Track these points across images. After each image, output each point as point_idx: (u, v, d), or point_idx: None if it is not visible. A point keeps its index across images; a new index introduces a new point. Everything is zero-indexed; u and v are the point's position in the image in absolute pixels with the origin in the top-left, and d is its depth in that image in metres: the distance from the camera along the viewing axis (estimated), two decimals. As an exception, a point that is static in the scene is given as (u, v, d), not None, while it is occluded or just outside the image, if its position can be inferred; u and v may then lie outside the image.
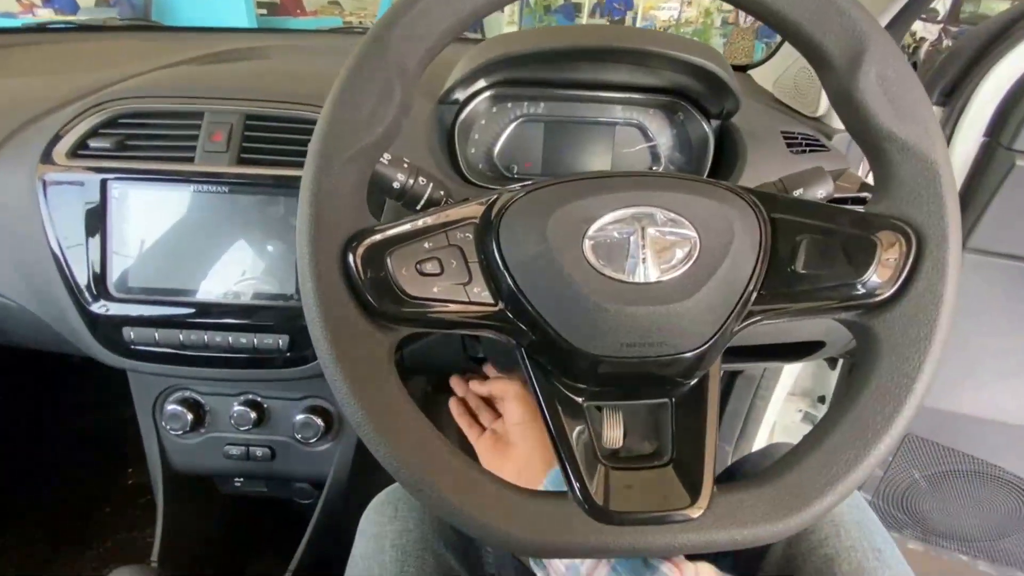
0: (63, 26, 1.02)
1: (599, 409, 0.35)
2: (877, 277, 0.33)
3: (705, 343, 0.32)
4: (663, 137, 0.61)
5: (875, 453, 0.31)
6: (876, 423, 0.32)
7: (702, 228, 0.32)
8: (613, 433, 0.34)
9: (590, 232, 0.32)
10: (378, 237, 0.31)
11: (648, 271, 0.31)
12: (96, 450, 1.08)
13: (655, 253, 0.31)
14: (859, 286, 0.33)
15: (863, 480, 0.32)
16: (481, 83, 0.58)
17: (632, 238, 0.31)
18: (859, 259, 0.33)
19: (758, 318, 0.34)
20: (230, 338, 0.52)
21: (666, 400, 0.35)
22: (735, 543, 0.31)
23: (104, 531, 0.98)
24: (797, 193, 0.42)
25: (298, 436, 0.62)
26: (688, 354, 0.32)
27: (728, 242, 0.32)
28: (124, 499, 1.03)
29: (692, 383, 0.35)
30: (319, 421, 0.61)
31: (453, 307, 0.32)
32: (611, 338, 0.31)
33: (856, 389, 0.33)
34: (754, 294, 0.33)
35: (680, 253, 0.32)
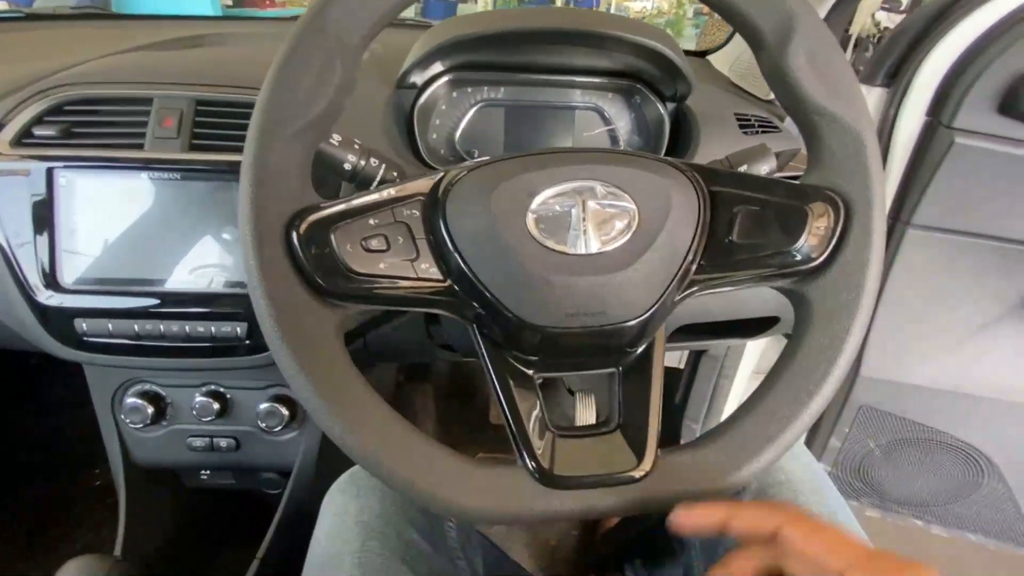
0: (12, 15, 0.98)
1: (571, 392, 0.36)
2: (809, 244, 0.34)
3: (646, 312, 0.33)
4: (621, 120, 0.62)
5: (808, 412, 0.33)
6: (809, 383, 0.33)
7: (641, 200, 0.33)
8: (586, 414, 0.35)
9: (533, 206, 0.32)
10: (321, 214, 0.32)
11: (589, 242, 0.32)
12: (62, 450, 1.05)
13: (596, 225, 0.32)
14: (793, 254, 0.35)
15: (798, 437, 0.33)
16: (438, 67, 0.58)
17: (573, 211, 0.32)
18: (792, 228, 0.34)
19: (699, 287, 0.35)
20: (187, 327, 0.52)
21: (613, 369, 0.36)
22: (678, 502, 0.32)
23: (72, 532, 0.96)
24: (742, 169, 0.43)
25: (262, 425, 0.61)
26: (631, 322, 0.33)
27: (666, 213, 0.33)
28: (92, 499, 1.01)
29: (638, 352, 0.36)
30: (283, 410, 0.61)
31: (401, 284, 0.33)
32: (555, 309, 0.32)
33: (791, 352, 0.34)
34: (694, 264, 0.34)
35: (620, 225, 0.32)
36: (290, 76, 0.31)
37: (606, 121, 0.63)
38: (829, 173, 0.35)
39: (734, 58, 0.73)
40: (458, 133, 0.60)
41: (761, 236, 0.35)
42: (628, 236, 0.32)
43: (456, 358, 0.66)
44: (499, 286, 0.32)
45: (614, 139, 0.63)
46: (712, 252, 0.34)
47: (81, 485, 1.02)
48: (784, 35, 0.34)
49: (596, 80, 0.61)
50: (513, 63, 0.59)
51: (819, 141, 0.35)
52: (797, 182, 0.36)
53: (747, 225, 0.35)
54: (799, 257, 0.35)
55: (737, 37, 0.76)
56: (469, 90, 0.60)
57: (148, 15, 1.03)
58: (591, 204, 0.32)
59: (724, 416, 0.97)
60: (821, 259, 0.34)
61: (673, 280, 0.33)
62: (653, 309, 0.33)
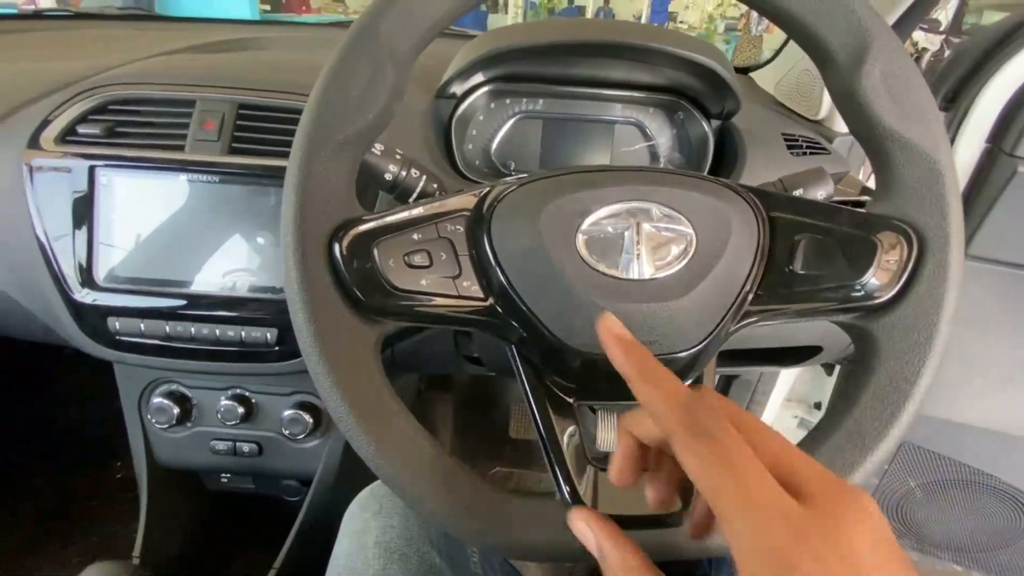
0: (60, 13, 1.01)
1: (593, 411, 0.34)
2: (877, 279, 0.32)
3: (699, 343, 0.31)
4: (662, 136, 0.61)
5: (871, 459, 0.31)
6: (873, 429, 0.31)
7: (699, 225, 0.31)
8: (607, 436, 0.33)
9: (584, 226, 0.31)
10: (365, 227, 0.31)
11: (643, 267, 0.30)
12: (87, 442, 1.06)
13: (650, 249, 0.30)
14: (858, 288, 0.32)
15: (859, 486, 0.31)
16: (479, 77, 0.57)
17: (627, 233, 0.31)
18: (859, 260, 0.32)
19: (755, 319, 0.33)
20: (217, 331, 0.51)
21: None
22: (722, 549, 0.30)
23: (91, 525, 0.96)
24: (797, 193, 0.41)
25: (286, 432, 0.61)
26: (682, 354, 0.31)
27: (725, 239, 0.31)
28: (113, 493, 1.01)
29: (686, 384, 0.34)
30: (307, 417, 0.60)
31: (442, 301, 0.31)
32: None
33: (853, 394, 0.32)
34: (751, 294, 0.32)
35: (676, 250, 0.31)
36: (342, 81, 0.31)
37: (646, 137, 0.61)
38: (901, 203, 0.33)
39: (781, 76, 0.71)
40: (494, 144, 0.59)
41: (824, 267, 0.33)
42: (684, 262, 0.31)
43: (483, 372, 0.65)
44: (544, 308, 0.31)
45: (654, 155, 0.61)
46: (770, 282, 0.32)
47: (104, 478, 1.03)
48: (857, 53, 0.32)
49: (638, 94, 0.59)
50: (554, 75, 0.58)
51: (891, 169, 0.33)
52: (864, 210, 0.34)
53: (809, 255, 0.33)
54: (863, 292, 0.32)
55: (784, 53, 0.73)
56: (507, 101, 0.59)
57: (190, 17, 1.05)
58: (646, 227, 0.31)
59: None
60: (890, 295, 0.32)
61: (729, 311, 0.31)
62: (707, 341, 0.31)
